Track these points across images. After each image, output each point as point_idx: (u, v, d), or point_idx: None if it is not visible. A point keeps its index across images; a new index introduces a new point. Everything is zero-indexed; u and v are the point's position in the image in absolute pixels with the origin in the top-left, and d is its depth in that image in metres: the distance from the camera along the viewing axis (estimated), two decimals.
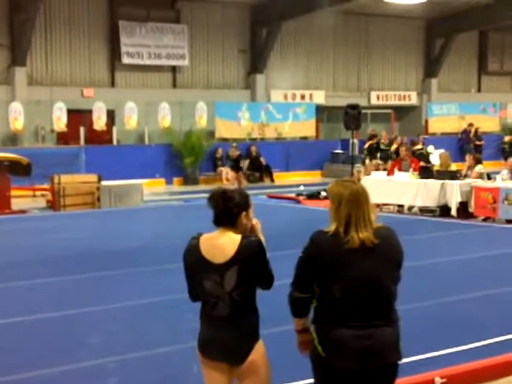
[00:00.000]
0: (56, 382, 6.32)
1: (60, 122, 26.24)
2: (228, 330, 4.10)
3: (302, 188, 23.36)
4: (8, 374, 6.42)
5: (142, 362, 6.72)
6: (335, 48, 33.97)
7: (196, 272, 4.16)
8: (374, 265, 3.98)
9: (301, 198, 20.89)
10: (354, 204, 3.99)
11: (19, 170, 18.88)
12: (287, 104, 31.71)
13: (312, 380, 4.19)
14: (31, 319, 8.27)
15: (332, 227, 4.02)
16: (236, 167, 24.95)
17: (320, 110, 32.32)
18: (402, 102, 35.91)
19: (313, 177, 28.66)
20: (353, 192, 4.03)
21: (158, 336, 7.55)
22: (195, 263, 4.14)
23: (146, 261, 11.67)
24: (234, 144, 25.68)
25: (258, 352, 4.17)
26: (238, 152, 25.46)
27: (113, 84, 28.94)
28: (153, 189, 23.89)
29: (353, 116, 21.29)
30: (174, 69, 30.14)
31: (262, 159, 28.14)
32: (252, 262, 4.09)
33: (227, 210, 4.16)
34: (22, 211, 18.85)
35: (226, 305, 4.08)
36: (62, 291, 9.67)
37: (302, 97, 32.87)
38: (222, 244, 4.13)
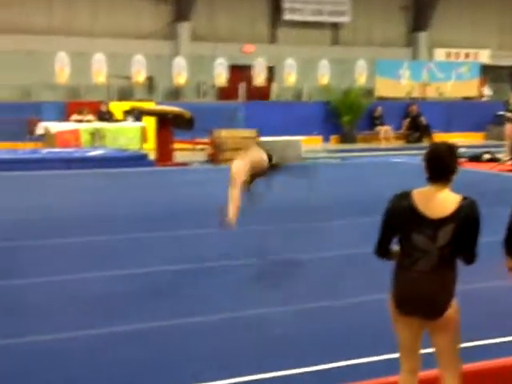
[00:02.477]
0: (219, 329, 6.36)
1: (221, 77, 26.60)
2: (429, 284, 4.09)
3: (463, 150, 22.63)
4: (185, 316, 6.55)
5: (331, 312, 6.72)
6: (503, 3, 32.49)
7: (404, 225, 4.11)
8: None
9: (462, 159, 20.23)
10: None
11: (182, 123, 19.27)
12: (450, 63, 30.73)
13: None
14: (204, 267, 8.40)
15: None
16: None
17: (485, 70, 31.12)
18: None
19: (474, 138, 27.71)
20: None
21: (353, 287, 7.59)
22: (405, 216, 4.08)
23: (324, 216, 11.52)
24: None
25: (454, 307, 4.19)
26: None
27: (273, 40, 28.99)
28: (309, 146, 23.84)
29: None
30: (334, 26, 29.83)
31: (423, 119, 27.46)
32: (470, 223, 4.06)
33: (453, 164, 4.13)
34: (184, 164, 19.28)
35: (431, 259, 4.06)
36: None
37: (466, 55, 31.77)
38: (441, 199, 4.08)
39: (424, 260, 4.07)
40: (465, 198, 4.09)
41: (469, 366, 4.92)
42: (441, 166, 4.10)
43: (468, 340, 5.23)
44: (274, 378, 5.25)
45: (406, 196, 4.13)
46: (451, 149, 4.14)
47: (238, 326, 6.42)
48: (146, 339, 6.07)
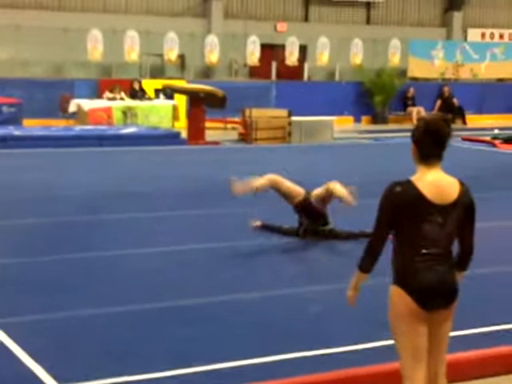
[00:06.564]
0: (256, 306, 6.50)
1: (253, 56, 26.51)
2: (447, 270, 3.87)
3: (496, 131, 22.45)
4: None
5: None
6: None
7: (412, 214, 3.81)
8: None
9: (497, 141, 20.05)
10: None
11: (214, 101, 19.26)
12: (485, 44, 30.36)
13: None
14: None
15: None
16: None
17: None
18: None
19: (508, 120, 27.41)
20: None
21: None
22: (412, 205, 3.79)
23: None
24: None
25: None
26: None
27: (306, 19, 28.82)
28: (341, 126, 23.74)
29: None
30: (368, 4, 29.59)
31: (455, 100, 27.18)
32: (472, 209, 3.92)
33: (448, 138, 3.85)
34: (215, 142, 19.30)
35: (442, 247, 3.84)
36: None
37: (501, 36, 31.36)
38: (446, 184, 3.85)
39: (435, 248, 3.81)
40: (461, 182, 3.91)
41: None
42: (440, 141, 3.83)
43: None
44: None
45: (408, 184, 3.83)
46: (447, 121, 3.87)
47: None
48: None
